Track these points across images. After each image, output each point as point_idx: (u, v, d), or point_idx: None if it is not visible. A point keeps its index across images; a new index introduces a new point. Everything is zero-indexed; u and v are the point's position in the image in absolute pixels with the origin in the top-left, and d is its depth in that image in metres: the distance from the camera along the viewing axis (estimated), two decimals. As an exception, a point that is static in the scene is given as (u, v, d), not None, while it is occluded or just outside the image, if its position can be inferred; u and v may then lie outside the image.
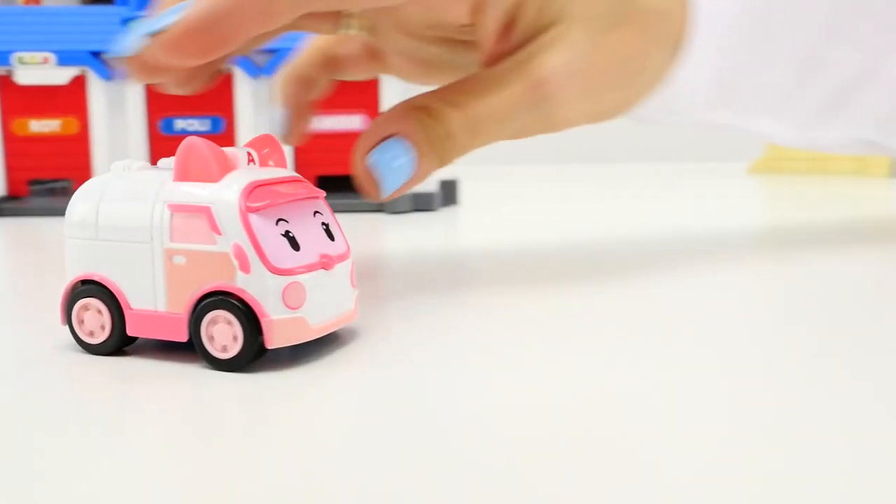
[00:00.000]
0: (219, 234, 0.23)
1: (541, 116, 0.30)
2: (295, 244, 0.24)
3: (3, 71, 0.56)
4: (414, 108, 0.28)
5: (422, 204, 0.57)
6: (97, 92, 0.56)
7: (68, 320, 0.24)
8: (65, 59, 0.55)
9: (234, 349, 0.23)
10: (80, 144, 0.57)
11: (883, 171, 0.74)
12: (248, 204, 0.23)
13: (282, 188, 0.24)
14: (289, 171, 0.25)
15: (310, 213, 0.25)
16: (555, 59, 0.29)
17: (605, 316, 0.28)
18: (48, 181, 0.59)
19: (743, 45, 0.34)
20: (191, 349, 0.23)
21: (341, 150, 0.57)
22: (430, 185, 0.57)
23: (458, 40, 0.32)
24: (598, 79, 0.30)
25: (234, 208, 0.23)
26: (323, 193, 0.26)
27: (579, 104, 0.30)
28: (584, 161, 0.87)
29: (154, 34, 0.24)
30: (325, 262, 0.24)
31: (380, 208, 0.56)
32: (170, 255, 0.23)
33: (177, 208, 0.23)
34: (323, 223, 0.25)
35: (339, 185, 0.58)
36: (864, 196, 0.64)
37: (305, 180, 0.26)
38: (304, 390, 0.22)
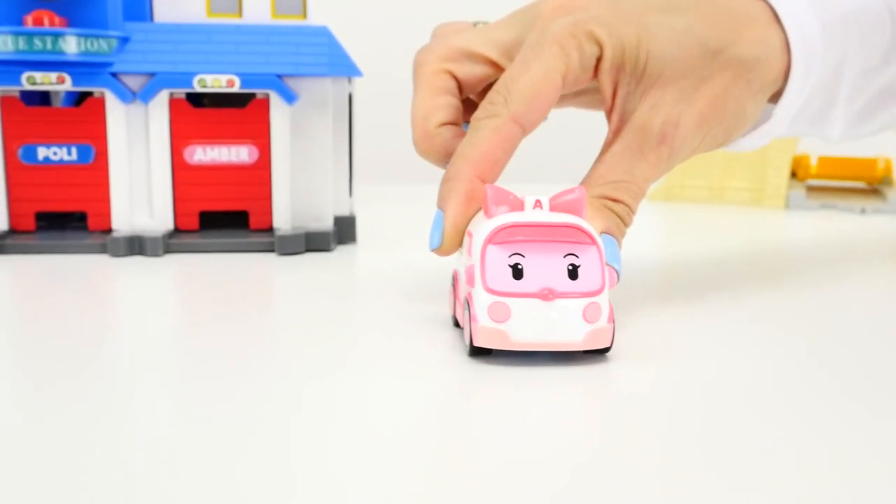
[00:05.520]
0: (470, 256, 0.32)
1: (668, 163, 0.37)
2: (519, 274, 0.30)
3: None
4: (599, 199, 0.35)
5: (317, 243, 0.52)
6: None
7: None
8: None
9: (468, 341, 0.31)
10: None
11: (779, 203, 0.76)
12: (491, 238, 0.30)
13: (533, 231, 0.30)
14: (568, 219, 0.31)
15: (558, 254, 0.30)
16: (664, 117, 0.36)
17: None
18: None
19: (827, 75, 0.40)
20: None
21: (225, 183, 0.51)
22: (325, 223, 0.53)
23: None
24: (703, 124, 0.36)
25: (482, 240, 0.30)
26: (591, 241, 0.31)
27: (691, 144, 0.37)
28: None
29: (434, 249, 0.35)
30: (545, 294, 0.29)
31: (270, 248, 0.51)
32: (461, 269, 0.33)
33: (468, 234, 0.33)
34: (571, 265, 0.30)
35: (222, 222, 0.52)
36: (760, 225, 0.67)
37: (584, 229, 0.31)
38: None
